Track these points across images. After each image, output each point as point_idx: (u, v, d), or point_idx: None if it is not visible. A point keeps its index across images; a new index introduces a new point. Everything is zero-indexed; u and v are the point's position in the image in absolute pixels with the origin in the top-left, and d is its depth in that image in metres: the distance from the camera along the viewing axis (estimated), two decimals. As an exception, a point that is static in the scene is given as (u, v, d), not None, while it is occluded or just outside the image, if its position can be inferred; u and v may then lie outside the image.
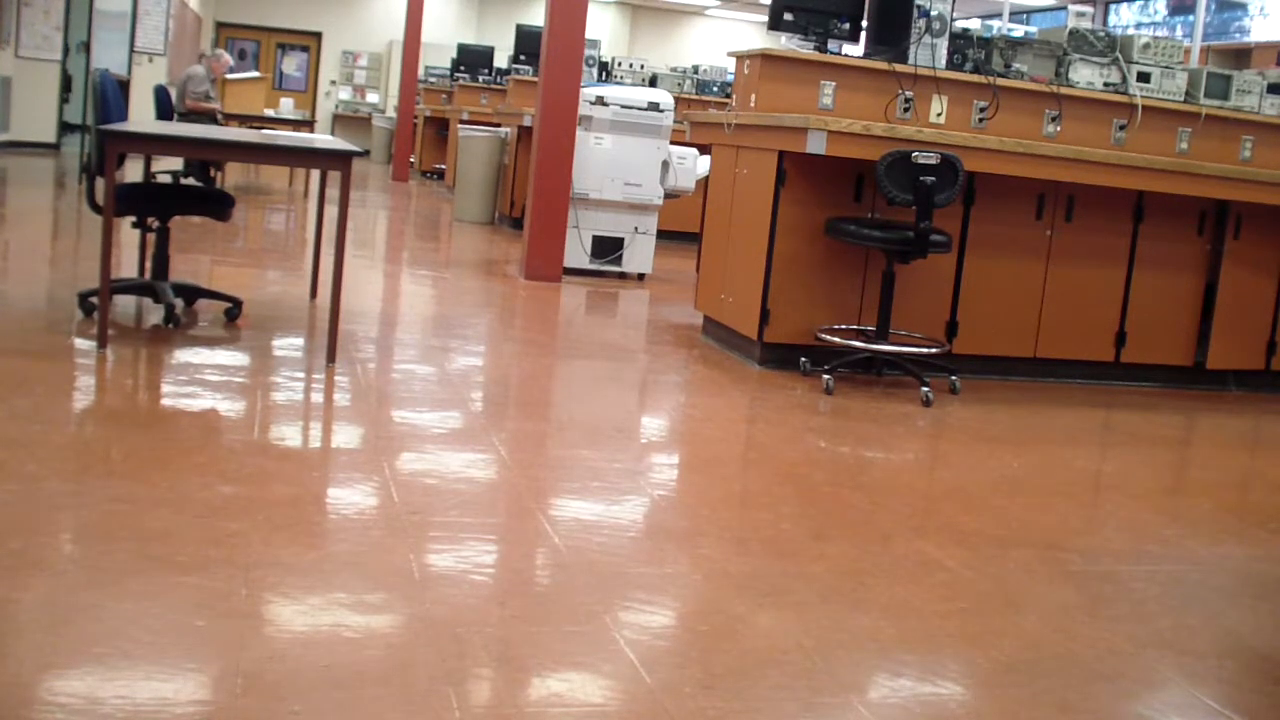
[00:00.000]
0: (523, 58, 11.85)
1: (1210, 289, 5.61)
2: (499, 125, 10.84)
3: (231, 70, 11.81)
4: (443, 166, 15.90)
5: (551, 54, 7.08)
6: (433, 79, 17.10)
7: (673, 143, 7.77)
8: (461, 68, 14.43)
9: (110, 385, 3.82)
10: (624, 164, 7.57)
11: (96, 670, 1.92)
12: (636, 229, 7.71)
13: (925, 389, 4.71)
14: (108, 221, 4.08)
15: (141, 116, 8.57)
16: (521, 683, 2.04)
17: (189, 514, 2.65)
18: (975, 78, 5.42)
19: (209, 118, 10.30)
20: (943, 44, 5.32)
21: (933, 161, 4.59)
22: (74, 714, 1.78)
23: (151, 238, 4.92)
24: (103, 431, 3.27)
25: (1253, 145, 5.86)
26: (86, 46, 14.17)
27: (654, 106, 7.59)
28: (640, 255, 7.76)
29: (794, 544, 2.90)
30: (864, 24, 5.48)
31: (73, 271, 5.87)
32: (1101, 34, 5.66)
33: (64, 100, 14.00)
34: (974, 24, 14.61)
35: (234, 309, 4.92)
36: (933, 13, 5.23)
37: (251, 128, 10.30)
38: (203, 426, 3.37)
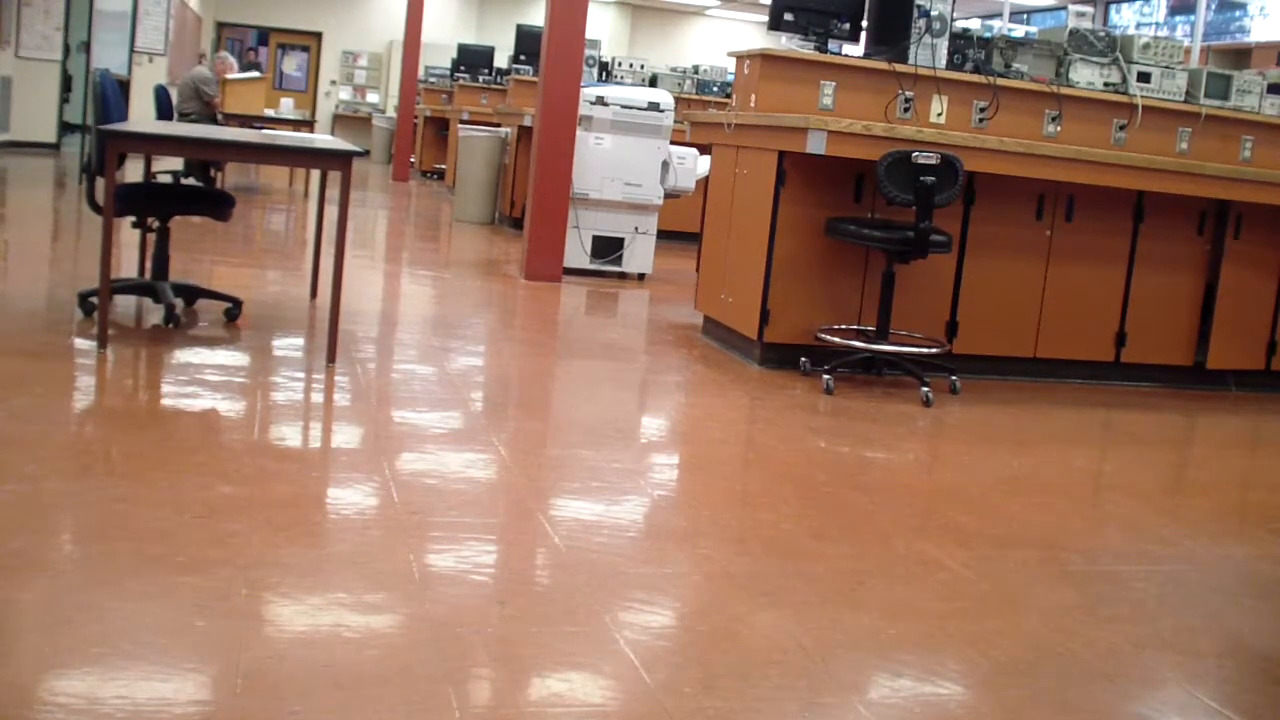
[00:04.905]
0: (523, 58, 11.85)
1: (1210, 289, 5.61)
2: (499, 125, 10.83)
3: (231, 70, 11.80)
4: (443, 166, 15.90)
5: (551, 54, 7.08)
6: (433, 79, 17.10)
7: (673, 143, 7.77)
8: (461, 68, 14.43)
9: (110, 385, 3.82)
10: (624, 164, 7.57)
11: (96, 670, 1.92)
12: (636, 229, 7.71)
13: (925, 389, 4.71)
14: (108, 221, 4.08)
15: (141, 116, 8.57)
16: (521, 683, 2.04)
17: (189, 514, 2.65)
18: (975, 78, 5.42)
19: (209, 118, 10.31)
20: (943, 44, 5.31)
21: (933, 161, 4.59)
22: (74, 714, 1.78)
23: (151, 238, 4.92)
24: (103, 431, 3.27)
25: (1253, 145, 5.86)
26: (86, 46, 14.17)
27: (654, 106, 7.59)
28: (640, 255, 7.76)
29: (794, 544, 2.90)
30: (864, 24, 5.48)
31: (73, 271, 5.87)
32: (1101, 34, 5.66)
33: (64, 100, 14.00)
34: (974, 24, 14.60)
35: (234, 309, 4.92)
36: (933, 13, 5.23)
37: (251, 128, 10.30)
38: (203, 426, 3.37)
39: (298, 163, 4.88)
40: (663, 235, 8.61)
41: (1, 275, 5.69)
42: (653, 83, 11.24)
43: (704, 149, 7.20)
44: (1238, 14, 15.11)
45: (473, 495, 3.05)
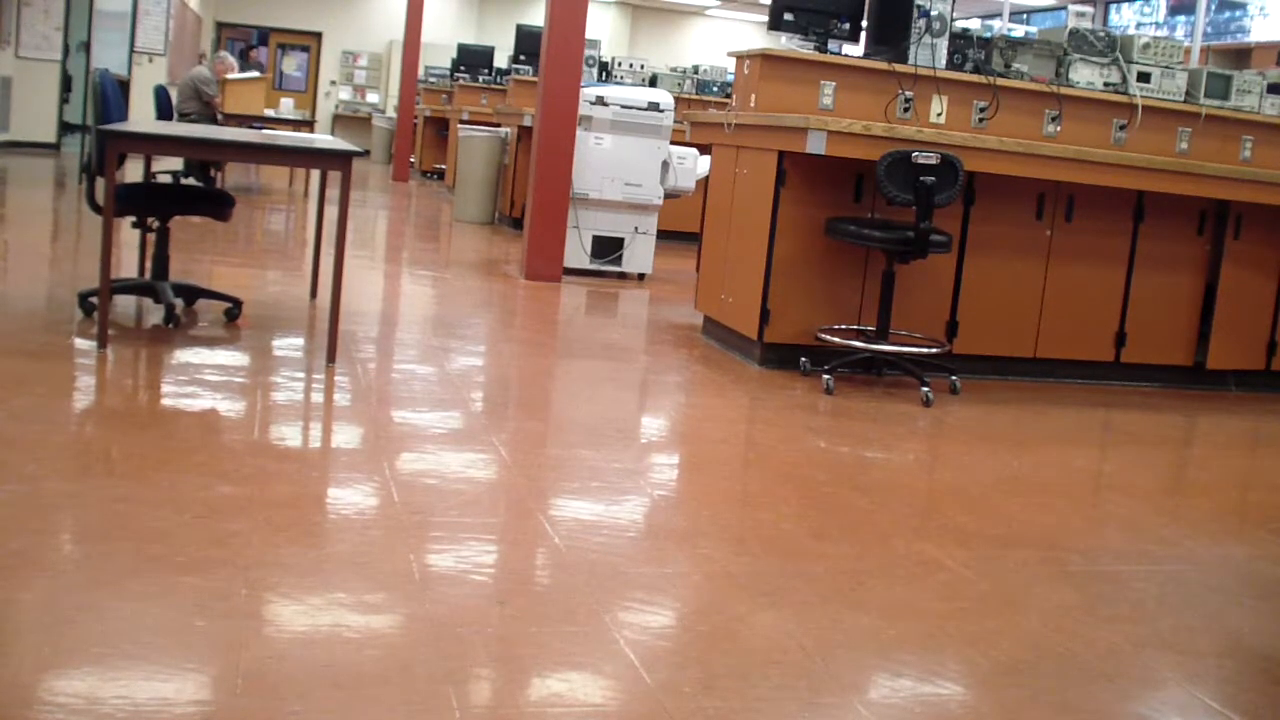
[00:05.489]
0: (523, 58, 11.84)
1: (1210, 289, 5.61)
2: (499, 125, 10.83)
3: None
4: (443, 166, 15.90)
5: (551, 54, 7.08)
6: (433, 79, 17.09)
7: (673, 143, 7.77)
8: (461, 68, 14.43)
9: (110, 385, 3.82)
10: (624, 164, 7.57)
11: (96, 670, 1.92)
12: (636, 229, 7.71)
13: (925, 389, 4.71)
14: (108, 221, 4.08)
15: (141, 116, 8.57)
16: (521, 683, 2.04)
17: (189, 514, 2.65)
18: (975, 78, 5.42)
19: (209, 118, 10.31)
20: (943, 44, 5.31)
21: (933, 161, 4.59)
22: (74, 714, 1.78)
23: (151, 238, 4.92)
24: (103, 431, 3.27)
25: (1253, 145, 5.86)
26: (86, 46, 14.17)
27: (654, 106, 7.59)
28: (640, 255, 7.76)
29: (794, 544, 2.90)
30: (864, 24, 5.48)
31: (73, 271, 5.87)
32: (1101, 34, 5.66)
33: (64, 100, 14.00)
34: (974, 24, 14.60)
35: (234, 309, 4.92)
36: (933, 13, 5.23)
37: (251, 128, 10.30)
38: (203, 426, 3.37)
39: (298, 163, 4.88)
40: (663, 235, 8.61)
41: (1, 275, 5.69)
42: (653, 83, 11.24)
43: (704, 149, 7.20)
44: (1238, 14, 15.11)
45: (473, 495, 3.05)
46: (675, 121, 7.84)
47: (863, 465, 3.77)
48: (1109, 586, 2.82)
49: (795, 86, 5.27)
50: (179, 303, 4.91)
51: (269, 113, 12.09)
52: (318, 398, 3.93)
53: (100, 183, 4.24)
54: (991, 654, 2.35)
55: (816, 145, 4.65)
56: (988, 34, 5.65)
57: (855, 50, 5.55)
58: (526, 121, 9.11)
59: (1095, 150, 5.10)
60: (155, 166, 6.36)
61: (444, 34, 21.05)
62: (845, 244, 4.99)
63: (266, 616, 2.18)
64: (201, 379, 3.93)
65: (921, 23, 5.24)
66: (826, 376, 4.78)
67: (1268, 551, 3.26)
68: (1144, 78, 5.62)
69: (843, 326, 5.10)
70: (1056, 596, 2.71)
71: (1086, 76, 5.57)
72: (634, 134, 7.57)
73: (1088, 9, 6.30)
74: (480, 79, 14.08)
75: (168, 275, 4.86)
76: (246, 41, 22.07)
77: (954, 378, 4.99)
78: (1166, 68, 5.66)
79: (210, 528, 2.57)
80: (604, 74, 10.55)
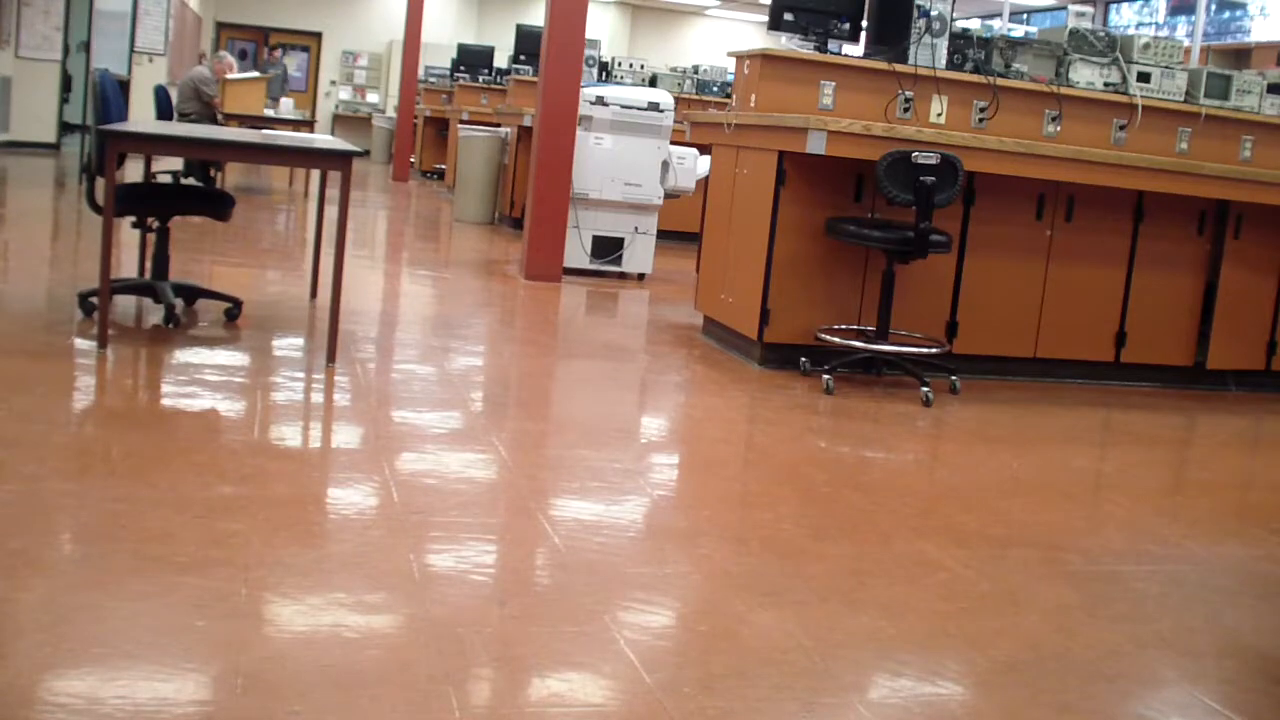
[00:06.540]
0: (523, 58, 11.84)
1: (1210, 289, 5.61)
2: (499, 125, 10.83)
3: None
4: (443, 166, 15.90)
5: (551, 54, 7.08)
6: (433, 79, 17.09)
7: (673, 143, 7.77)
8: (461, 68, 14.43)
9: (110, 385, 3.82)
10: (624, 164, 7.57)
11: (96, 670, 1.92)
12: (636, 229, 7.71)
13: (925, 389, 4.71)
14: (108, 221, 4.08)
15: (141, 116, 8.57)
16: (521, 683, 2.04)
17: (189, 514, 2.65)
18: (975, 78, 5.42)
19: (209, 118, 10.30)
20: (943, 44, 5.31)
21: (933, 161, 4.59)
22: (74, 714, 1.78)
23: (151, 238, 4.92)
24: (103, 431, 3.27)
25: (1253, 145, 5.86)
26: (86, 46, 14.17)
27: (654, 106, 7.59)
28: (640, 255, 7.76)
29: (794, 544, 2.90)
30: (864, 24, 5.48)
31: (73, 271, 5.87)
32: (1101, 34, 5.66)
33: (64, 100, 13.99)
34: (974, 24, 14.60)
35: (234, 309, 4.92)
36: (933, 13, 5.23)
37: (251, 128, 10.29)
38: (203, 426, 3.37)
39: (298, 163, 4.88)
40: (663, 235, 8.60)
41: (2, 275, 5.69)
42: (653, 83, 11.23)
43: (704, 149, 7.20)
44: (1238, 14, 15.12)
45: (473, 495, 3.05)
46: (675, 121, 7.84)
47: (863, 465, 3.77)
48: (1109, 586, 2.82)
49: (795, 86, 5.27)
50: (179, 303, 4.91)
51: (269, 113, 12.08)
52: (317, 398, 3.93)
53: (100, 183, 4.24)
54: (991, 654, 2.35)
55: (816, 145, 4.65)
56: (988, 34, 5.65)
57: (855, 50, 5.55)
58: (526, 121, 9.11)
59: (1095, 150, 5.10)
60: (155, 166, 6.36)
61: (444, 34, 21.05)
62: (845, 244, 4.99)
63: (266, 616, 2.18)
64: (201, 379, 3.93)
65: (921, 23, 5.24)
66: (826, 376, 4.78)
67: (1268, 551, 3.26)
68: (1144, 78, 5.62)
69: (843, 326, 5.10)
70: (1056, 596, 2.71)
71: (1086, 76, 5.57)
72: (634, 134, 7.57)
73: (1088, 9, 6.29)
74: (480, 79, 14.08)
75: (168, 275, 4.86)
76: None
77: (954, 378, 4.99)
78: (1166, 68, 5.66)
79: (210, 528, 2.57)
80: (604, 74, 10.54)
